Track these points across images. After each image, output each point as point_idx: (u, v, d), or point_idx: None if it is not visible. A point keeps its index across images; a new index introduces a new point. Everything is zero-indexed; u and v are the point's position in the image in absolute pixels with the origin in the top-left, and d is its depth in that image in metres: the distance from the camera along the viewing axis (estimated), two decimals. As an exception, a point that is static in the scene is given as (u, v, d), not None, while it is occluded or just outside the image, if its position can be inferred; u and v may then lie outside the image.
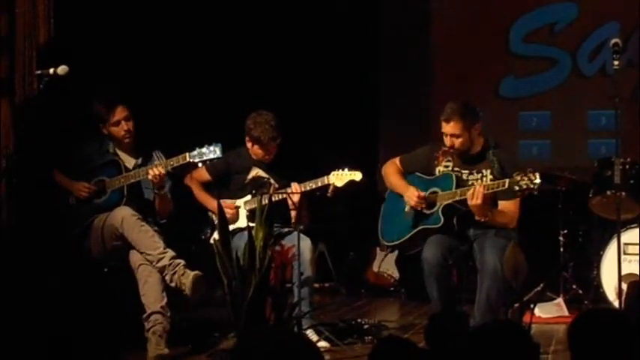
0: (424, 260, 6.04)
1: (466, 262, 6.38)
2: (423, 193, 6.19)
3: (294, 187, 6.20)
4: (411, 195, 6.22)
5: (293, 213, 6.22)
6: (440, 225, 6.11)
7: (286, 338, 2.50)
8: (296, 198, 6.16)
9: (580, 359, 3.04)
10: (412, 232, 6.26)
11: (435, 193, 6.20)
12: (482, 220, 5.98)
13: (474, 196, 5.87)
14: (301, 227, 6.03)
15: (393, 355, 3.27)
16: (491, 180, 6.06)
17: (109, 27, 7.45)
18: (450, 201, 6.10)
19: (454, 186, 6.11)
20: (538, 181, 5.72)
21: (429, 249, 6.06)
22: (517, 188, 5.79)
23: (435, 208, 6.16)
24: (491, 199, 5.99)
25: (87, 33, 7.08)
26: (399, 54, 9.70)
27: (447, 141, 6.16)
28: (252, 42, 8.91)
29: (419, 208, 6.20)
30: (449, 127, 6.13)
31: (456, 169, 6.22)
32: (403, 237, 6.32)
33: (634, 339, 3.01)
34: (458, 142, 6.13)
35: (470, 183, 6.12)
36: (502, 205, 6.07)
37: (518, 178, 5.77)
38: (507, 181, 5.85)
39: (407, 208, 6.28)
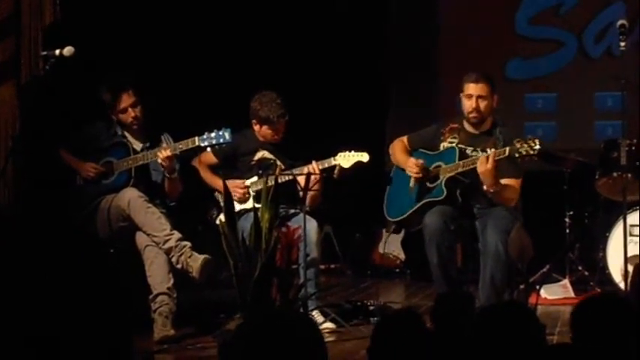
0: (425, 226, 6.06)
1: (470, 243, 6.38)
2: (421, 161, 6.21)
3: (312, 166, 6.17)
4: (411, 164, 6.24)
5: (311, 193, 6.18)
6: (443, 197, 6.13)
7: (287, 320, 2.51)
8: (301, 180, 6.15)
9: (580, 342, 3.05)
10: (416, 207, 6.27)
11: (438, 167, 6.22)
12: (492, 190, 5.96)
13: (485, 161, 5.87)
14: (307, 208, 6.03)
15: (397, 334, 3.28)
16: None
17: (115, 8, 7.44)
18: (452, 173, 6.12)
19: (457, 159, 6.13)
20: (538, 146, 5.75)
21: (430, 216, 6.07)
22: (517, 155, 5.83)
23: (438, 181, 6.18)
24: (497, 172, 5.99)
25: (93, 14, 7.07)
26: (406, 35, 9.68)
27: (472, 103, 6.17)
28: (260, 24, 8.89)
29: (420, 178, 6.21)
30: (478, 88, 6.16)
31: (460, 145, 6.23)
32: (407, 212, 6.33)
33: (636, 325, 3.02)
34: (483, 104, 6.16)
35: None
36: (504, 182, 6.09)
37: (519, 145, 5.81)
38: (508, 148, 5.88)
39: (411, 184, 6.30)
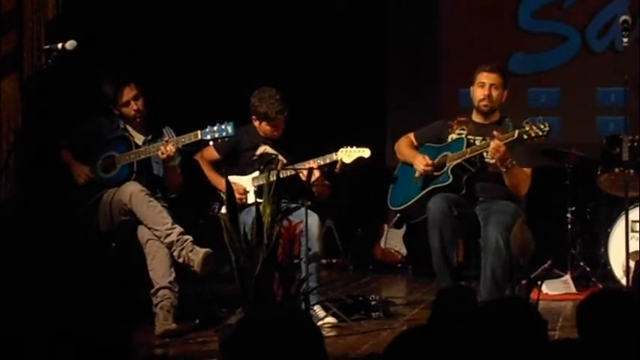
0: (428, 210, 6.08)
1: (473, 238, 6.38)
2: (431, 161, 6.23)
3: (312, 165, 6.18)
4: (419, 161, 6.25)
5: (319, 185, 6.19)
6: (448, 183, 6.15)
7: (287, 316, 2.51)
8: (304, 174, 6.15)
9: (587, 339, 3.05)
10: (421, 194, 6.27)
11: (445, 156, 6.24)
12: (506, 165, 5.96)
13: (496, 150, 5.90)
14: (309, 203, 6.03)
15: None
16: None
17: (117, 2, 7.45)
18: (459, 160, 6.14)
19: (465, 148, 6.16)
20: (547, 128, 5.81)
21: (434, 200, 6.11)
22: (526, 137, 5.87)
23: (445, 169, 6.20)
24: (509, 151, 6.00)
25: (96, 8, 7.07)
26: (407, 30, 9.67)
27: (485, 90, 6.22)
28: (262, 20, 8.89)
29: (427, 174, 6.24)
30: (491, 77, 6.23)
31: (469, 136, 6.25)
32: (411, 199, 6.34)
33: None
34: (496, 93, 6.23)
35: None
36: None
37: (527, 127, 5.86)
38: (517, 131, 5.92)
39: (417, 174, 6.31)
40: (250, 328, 2.46)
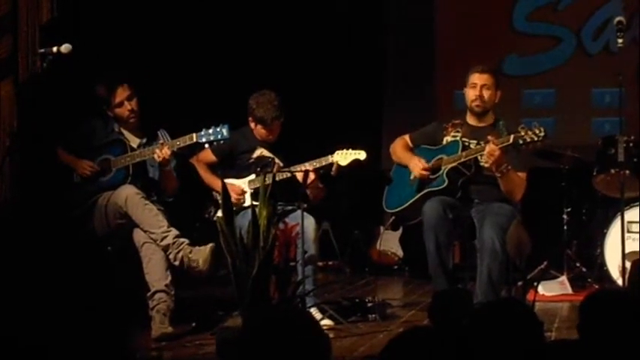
0: (424, 214, 6.08)
1: (469, 239, 6.39)
2: (427, 165, 6.23)
3: (307, 168, 6.19)
4: (415, 164, 6.27)
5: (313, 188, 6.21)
6: (444, 186, 6.16)
7: (293, 317, 2.51)
8: (300, 176, 6.16)
9: (588, 339, 3.05)
10: (416, 197, 6.28)
11: (440, 159, 6.25)
12: (501, 170, 5.96)
13: (490, 154, 5.90)
14: (305, 205, 6.03)
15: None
16: None
17: (113, 4, 7.45)
18: (454, 163, 6.14)
19: (460, 151, 6.16)
20: (543, 133, 5.81)
21: (429, 204, 6.11)
22: (521, 142, 5.87)
23: (440, 172, 6.21)
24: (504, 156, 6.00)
25: (90, 10, 7.07)
26: (402, 32, 9.69)
27: (477, 91, 6.24)
28: (258, 21, 8.89)
29: (423, 178, 6.24)
30: (483, 78, 6.24)
31: (464, 139, 6.25)
32: (406, 202, 6.35)
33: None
34: (487, 93, 6.23)
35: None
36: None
37: (523, 132, 5.86)
38: (512, 136, 5.92)
39: (412, 176, 6.32)
40: (257, 329, 2.47)
